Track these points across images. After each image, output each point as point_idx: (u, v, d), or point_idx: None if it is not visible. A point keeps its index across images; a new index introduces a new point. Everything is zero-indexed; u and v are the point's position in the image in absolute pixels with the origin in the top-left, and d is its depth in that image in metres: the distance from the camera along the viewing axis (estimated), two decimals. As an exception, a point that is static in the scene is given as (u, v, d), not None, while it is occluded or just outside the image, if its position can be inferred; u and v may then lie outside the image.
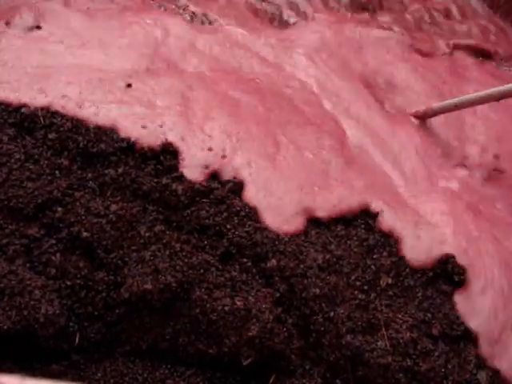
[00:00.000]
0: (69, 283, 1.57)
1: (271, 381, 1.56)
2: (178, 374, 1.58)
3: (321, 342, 1.59)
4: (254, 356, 1.52)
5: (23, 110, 1.74)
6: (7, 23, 1.99)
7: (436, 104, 2.21)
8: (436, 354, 1.60)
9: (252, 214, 1.73)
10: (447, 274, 1.74)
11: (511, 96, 1.90)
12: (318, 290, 1.61)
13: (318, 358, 1.59)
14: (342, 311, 1.61)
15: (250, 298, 1.57)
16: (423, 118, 2.24)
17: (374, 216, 1.83)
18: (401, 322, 1.63)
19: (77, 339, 1.54)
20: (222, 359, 1.54)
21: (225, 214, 1.70)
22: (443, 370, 1.57)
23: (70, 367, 1.56)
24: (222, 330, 1.51)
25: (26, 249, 1.59)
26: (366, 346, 1.56)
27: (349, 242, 1.76)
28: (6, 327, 1.48)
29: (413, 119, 2.22)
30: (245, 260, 1.65)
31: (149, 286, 1.52)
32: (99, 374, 1.55)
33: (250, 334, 1.51)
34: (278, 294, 1.62)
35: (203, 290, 1.56)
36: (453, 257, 1.75)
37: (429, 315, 1.67)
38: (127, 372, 1.56)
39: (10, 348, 1.52)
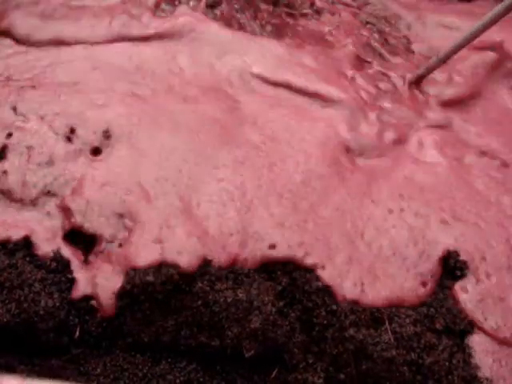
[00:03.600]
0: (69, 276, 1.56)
1: (274, 375, 1.55)
2: (178, 369, 1.56)
3: (324, 335, 1.57)
4: (257, 348, 1.51)
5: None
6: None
7: (422, 66, 2.22)
8: (440, 348, 1.58)
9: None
10: (449, 269, 1.74)
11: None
12: (320, 284, 1.61)
13: (321, 351, 1.57)
14: (345, 305, 1.60)
15: (253, 290, 1.56)
16: (418, 82, 2.26)
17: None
18: (404, 316, 1.62)
19: (77, 332, 1.53)
20: (225, 352, 1.52)
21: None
22: (447, 364, 1.55)
23: (70, 362, 1.54)
24: (225, 322, 1.50)
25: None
26: (370, 340, 1.55)
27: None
28: (5, 320, 1.47)
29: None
30: (247, 253, 1.65)
31: (151, 278, 1.51)
32: (99, 370, 1.53)
33: (253, 325, 1.50)
34: (280, 288, 1.61)
35: (205, 282, 1.55)
36: (455, 252, 1.75)
37: (432, 310, 1.66)
38: (127, 367, 1.54)
39: (10, 342, 1.50)
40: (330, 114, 2.00)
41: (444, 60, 2.09)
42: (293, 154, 1.84)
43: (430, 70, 2.17)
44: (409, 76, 2.23)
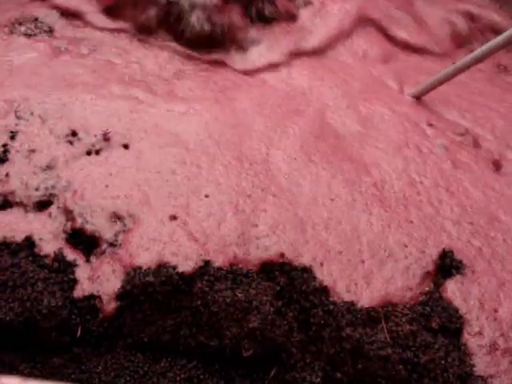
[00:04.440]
0: (71, 276, 1.58)
1: (272, 374, 1.57)
2: (178, 367, 1.58)
3: (321, 335, 1.59)
4: (255, 348, 1.53)
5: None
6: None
7: (426, 82, 2.26)
8: (436, 346, 1.60)
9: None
10: (445, 268, 1.76)
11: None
12: (317, 284, 1.63)
13: (318, 351, 1.59)
14: (341, 304, 1.62)
15: (251, 290, 1.58)
16: (419, 96, 2.30)
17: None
18: (400, 315, 1.64)
19: (79, 332, 1.55)
20: (224, 352, 1.55)
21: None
22: (443, 363, 1.57)
23: (71, 360, 1.56)
24: (224, 322, 1.52)
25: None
26: (366, 339, 1.57)
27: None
28: (8, 319, 1.49)
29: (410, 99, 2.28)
30: (245, 253, 1.68)
31: (150, 279, 1.54)
32: (100, 367, 1.56)
33: (251, 325, 1.52)
34: (278, 288, 1.64)
35: (204, 282, 1.57)
36: (451, 251, 1.77)
37: (427, 308, 1.68)
38: (128, 365, 1.56)
39: (13, 341, 1.52)
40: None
41: (447, 78, 2.11)
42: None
43: (433, 87, 2.20)
44: (412, 90, 2.28)
